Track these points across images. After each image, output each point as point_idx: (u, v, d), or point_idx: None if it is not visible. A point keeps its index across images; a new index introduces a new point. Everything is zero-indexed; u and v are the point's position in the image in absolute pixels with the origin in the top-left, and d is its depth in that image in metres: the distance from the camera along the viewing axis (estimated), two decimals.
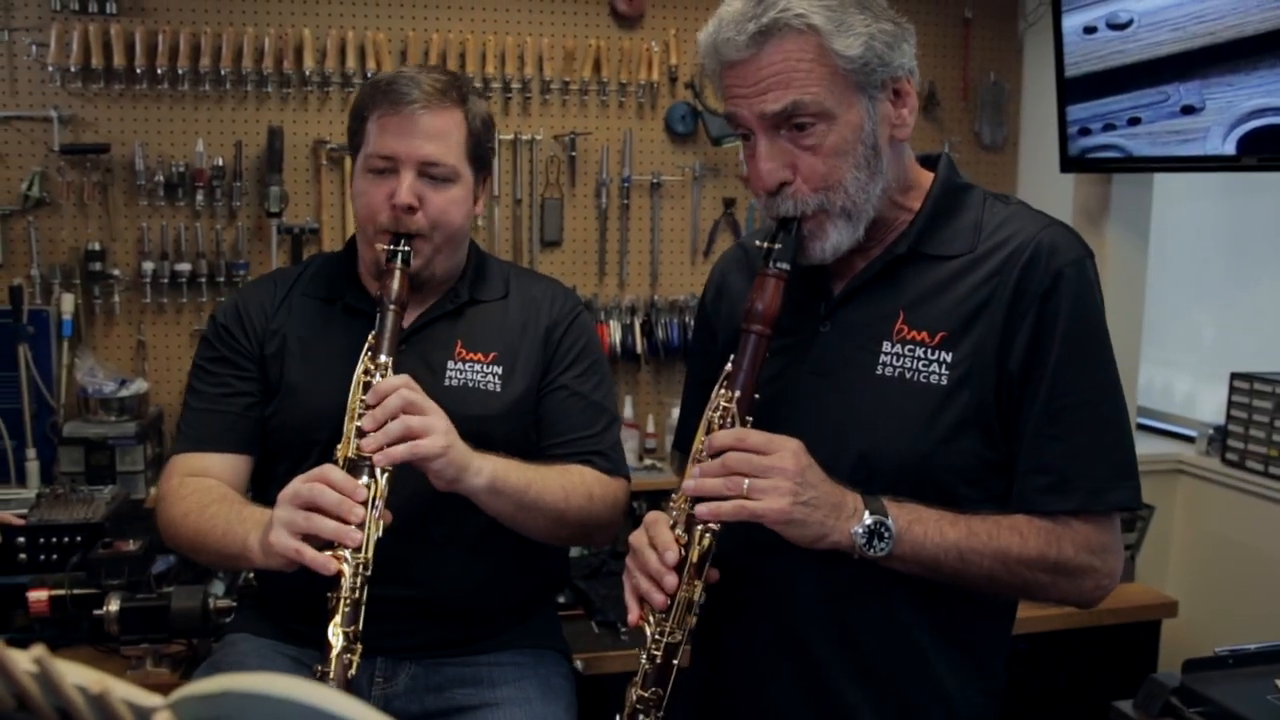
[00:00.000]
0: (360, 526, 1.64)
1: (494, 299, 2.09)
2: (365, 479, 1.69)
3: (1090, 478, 1.54)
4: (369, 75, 3.34)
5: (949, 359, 1.56)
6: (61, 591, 2.42)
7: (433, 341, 2.00)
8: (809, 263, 1.61)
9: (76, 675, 0.59)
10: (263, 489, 2.03)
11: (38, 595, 2.42)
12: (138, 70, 3.26)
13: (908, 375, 1.58)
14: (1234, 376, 3.22)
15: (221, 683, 0.59)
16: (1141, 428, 3.75)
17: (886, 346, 1.60)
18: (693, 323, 3.62)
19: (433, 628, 1.95)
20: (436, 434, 1.71)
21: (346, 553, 1.63)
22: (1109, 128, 3.23)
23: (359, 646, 1.65)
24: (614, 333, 3.66)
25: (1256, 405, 3.15)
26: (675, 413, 3.64)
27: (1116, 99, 3.19)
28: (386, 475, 1.70)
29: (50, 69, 3.21)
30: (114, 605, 2.33)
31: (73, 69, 3.22)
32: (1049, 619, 2.92)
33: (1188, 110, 2.99)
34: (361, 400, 1.75)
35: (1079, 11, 3.25)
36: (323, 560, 1.61)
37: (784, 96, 1.50)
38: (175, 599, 2.35)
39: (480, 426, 1.89)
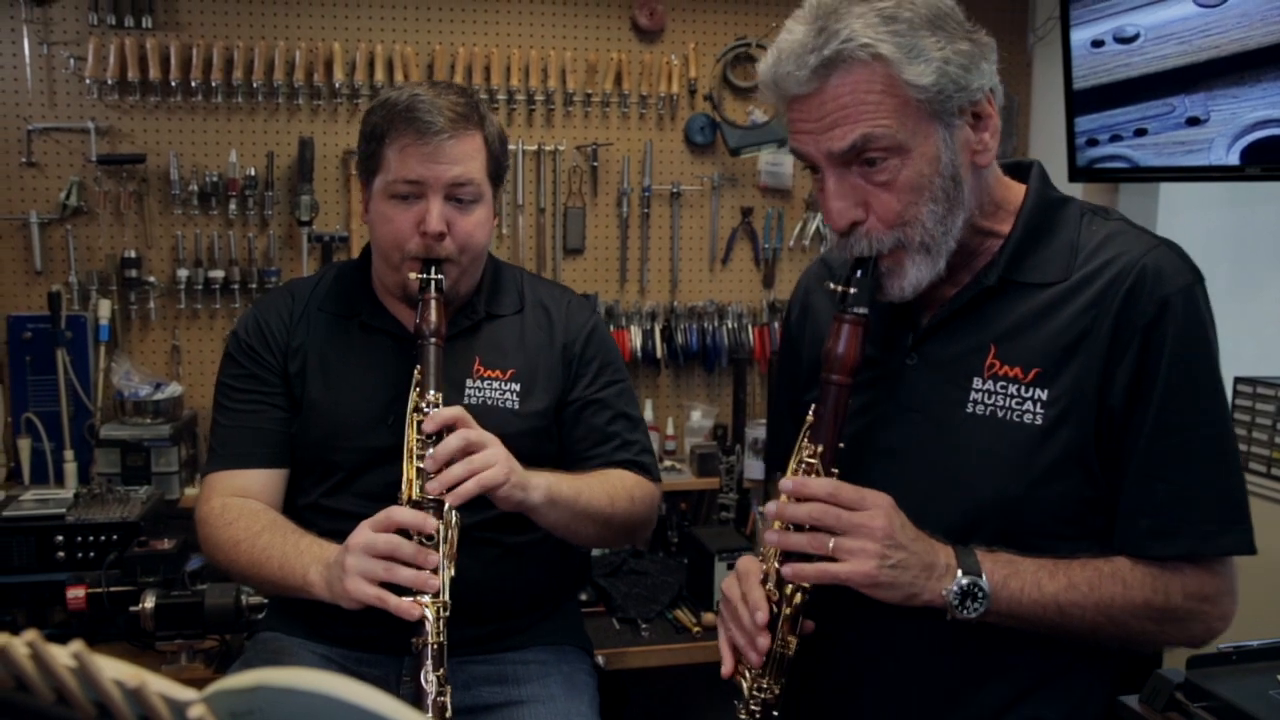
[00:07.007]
0: (435, 571, 1.67)
1: (510, 313, 2.09)
2: (432, 519, 1.69)
3: (1198, 521, 1.44)
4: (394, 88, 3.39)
5: (1044, 396, 1.45)
6: (99, 589, 2.47)
7: (452, 360, 1.96)
8: (887, 300, 1.50)
9: (114, 670, 0.60)
10: (289, 503, 2.04)
11: (75, 592, 2.47)
12: (172, 83, 3.31)
13: (1000, 414, 1.47)
14: (1237, 380, 3.25)
15: (255, 677, 0.60)
16: None
17: (978, 383, 1.49)
18: (712, 329, 3.69)
19: (458, 626, 1.94)
20: (499, 464, 1.72)
21: (426, 597, 1.66)
22: (1116, 139, 3.26)
23: (449, 688, 1.67)
24: (635, 338, 3.69)
25: (1259, 409, 3.17)
26: (695, 415, 3.71)
27: (1123, 111, 3.21)
28: (456, 515, 1.72)
29: (88, 82, 3.27)
30: (149, 602, 2.38)
31: (109, 82, 3.28)
32: None
33: (1193, 122, 3.01)
34: (419, 439, 1.75)
35: (1087, 26, 3.28)
36: (406, 607, 1.64)
37: (851, 132, 1.38)
38: (209, 596, 2.39)
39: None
